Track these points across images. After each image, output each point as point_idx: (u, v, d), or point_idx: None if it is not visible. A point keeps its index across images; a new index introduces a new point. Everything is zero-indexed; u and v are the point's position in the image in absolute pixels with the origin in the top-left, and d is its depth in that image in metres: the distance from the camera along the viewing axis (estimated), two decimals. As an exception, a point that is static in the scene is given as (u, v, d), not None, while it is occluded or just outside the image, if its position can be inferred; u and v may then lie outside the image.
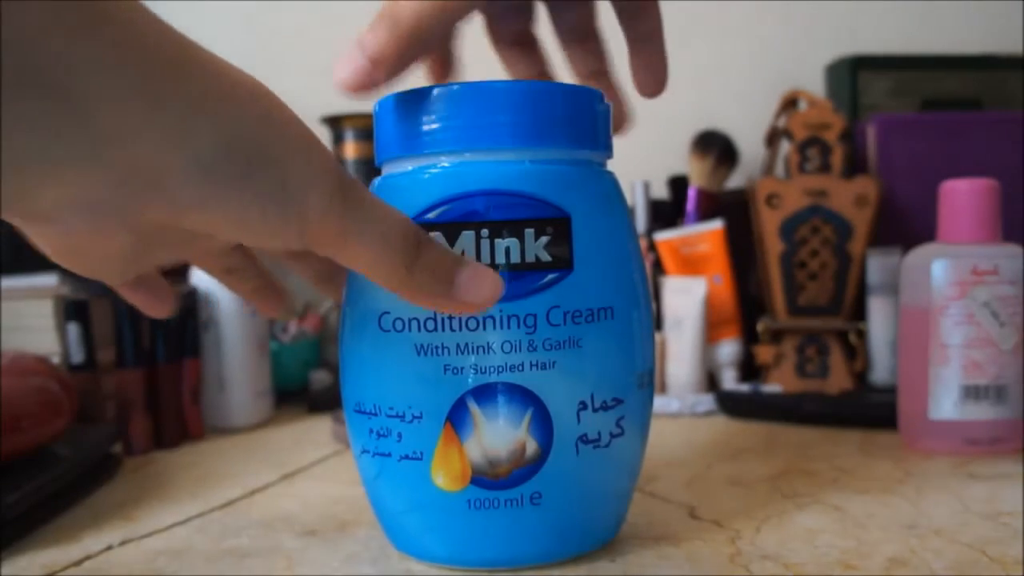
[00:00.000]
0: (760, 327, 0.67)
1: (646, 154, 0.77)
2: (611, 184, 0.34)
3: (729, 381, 0.68)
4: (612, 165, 0.36)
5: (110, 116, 0.20)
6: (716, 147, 0.74)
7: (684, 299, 0.67)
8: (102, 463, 0.49)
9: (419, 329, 0.31)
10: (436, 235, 0.31)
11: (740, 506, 0.40)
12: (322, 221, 0.24)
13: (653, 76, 0.37)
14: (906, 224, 0.67)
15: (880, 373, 0.65)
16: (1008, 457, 0.48)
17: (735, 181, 0.77)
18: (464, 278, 0.27)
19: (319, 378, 0.70)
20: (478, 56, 0.40)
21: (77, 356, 0.55)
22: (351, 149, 0.74)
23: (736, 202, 0.71)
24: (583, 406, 0.32)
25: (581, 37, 0.38)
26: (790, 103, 0.70)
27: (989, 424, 0.48)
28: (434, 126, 0.31)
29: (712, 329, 0.68)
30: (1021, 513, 0.38)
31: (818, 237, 0.65)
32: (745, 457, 0.50)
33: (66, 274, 0.63)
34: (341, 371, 0.35)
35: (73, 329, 0.55)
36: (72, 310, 0.55)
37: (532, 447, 0.31)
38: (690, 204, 0.73)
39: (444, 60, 0.39)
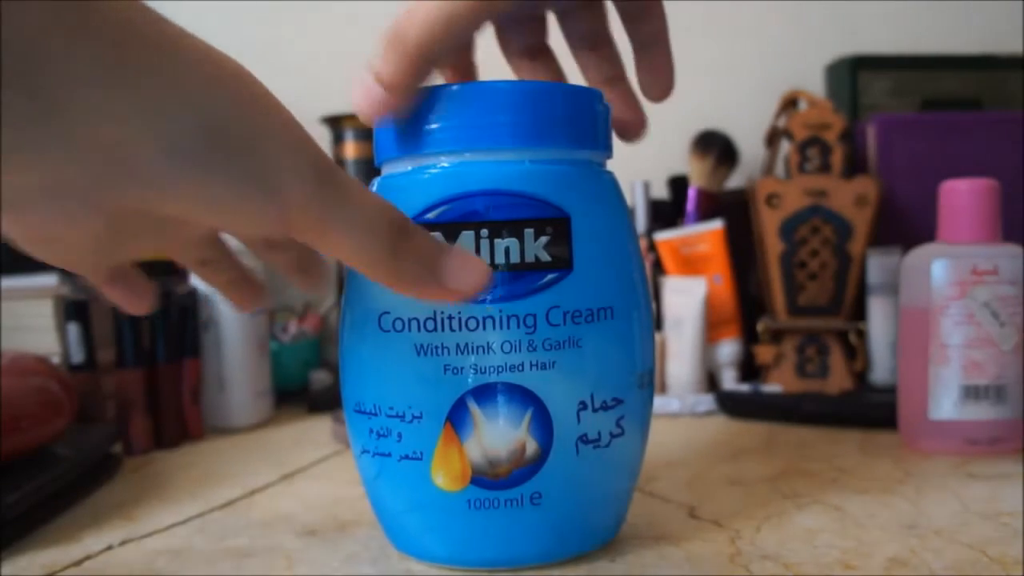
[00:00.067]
0: (760, 327, 0.67)
1: (646, 154, 0.77)
2: (611, 184, 0.34)
3: (729, 381, 0.68)
4: (612, 165, 0.36)
5: (80, 98, 0.19)
6: (716, 147, 0.74)
7: (684, 299, 0.67)
8: (102, 463, 0.49)
9: (419, 329, 0.31)
10: (436, 235, 0.31)
11: (740, 506, 0.40)
12: (303, 207, 0.24)
13: (659, 80, 0.37)
14: (906, 224, 0.67)
15: (880, 373, 0.65)
16: (1008, 457, 0.48)
17: (735, 181, 0.77)
18: (450, 265, 0.27)
19: (319, 378, 0.70)
20: (481, 57, 0.40)
21: (77, 356, 0.55)
22: (351, 149, 0.74)
23: (736, 202, 0.71)
24: (583, 406, 0.32)
25: (593, 44, 0.38)
26: (790, 103, 0.70)
27: (989, 424, 0.48)
28: (434, 126, 0.31)
29: (712, 329, 0.68)
30: (1021, 513, 0.38)
31: (818, 237, 0.65)
32: (745, 457, 0.50)
33: (66, 274, 0.63)
34: (341, 371, 0.35)
35: (73, 329, 0.55)
36: (72, 310, 0.55)
37: (532, 447, 0.31)
38: (690, 204, 0.73)
39: (462, 70, 0.38)
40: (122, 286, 0.31)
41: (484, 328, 0.31)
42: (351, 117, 0.73)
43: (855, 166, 0.70)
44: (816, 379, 0.66)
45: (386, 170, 0.34)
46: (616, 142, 0.37)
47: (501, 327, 0.31)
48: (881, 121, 0.69)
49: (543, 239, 0.31)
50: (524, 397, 0.31)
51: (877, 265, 0.65)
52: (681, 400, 0.62)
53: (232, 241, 0.33)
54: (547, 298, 0.31)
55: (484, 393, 0.31)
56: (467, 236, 0.31)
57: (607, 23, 0.38)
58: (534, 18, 0.38)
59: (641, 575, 0.33)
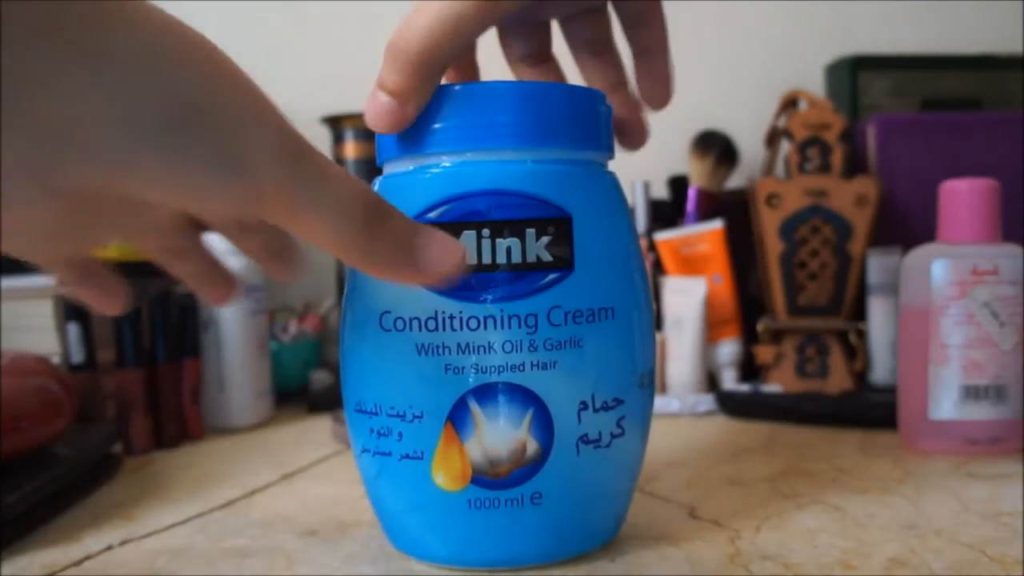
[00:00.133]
0: (760, 327, 0.67)
1: (646, 154, 0.77)
2: (612, 184, 0.34)
3: (729, 381, 0.68)
4: (612, 165, 0.36)
5: (35, 74, 0.19)
6: (716, 147, 0.74)
7: (684, 299, 0.67)
8: (102, 463, 0.49)
9: (420, 329, 0.31)
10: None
11: (740, 506, 0.40)
12: (274, 186, 0.23)
13: (659, 88, 0.37)
14: (906, 224, 0.67)
15: (880, 373, 0.65)
16: (1008, 457, 0.48)
17: (735, 181, 0.77)
18: (426, 247, 0.27)
19: (319, 378, 0.70)
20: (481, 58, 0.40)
21: (77, 356, 0.55)
22: (351, 149, 0.74)
23: (736, 202, 0.71)
24: (584, 406, 0.32)
25: (597, 50, 0.38)
26: (790, 103, 0.70)
27: (989, 424, 0.48)
28: (436, 126, 0.31)
29: (712, 329, 0.68)
30: (1021, 513, 0.38)
31: (818, 237, 0.65)
32: (745, 457, 0.50)
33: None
34: (342, 371, 0.35)
35: (73, 329, 0.55)
36: (72, 310, 0.55)
37: (533, 447, 0.31)
38: (690, 204, 0.73)
39: (463, 70, 0.38)
40: (92, 285, 0.30)
41: (485, 328, 0.31)
42: (351, 117, 0.74)
43: (855, 166, 0.70)
44: (816, 379, 0.66)
45: (387, 170, 0.34)
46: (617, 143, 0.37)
47: (502, 327, 0.31)
48: (881, 121, 0.69)
49: (544, 239, 0.31)
50: (525, 397, 0.31)
51: (877, 265, 0.65)
52: (681, 400, 0.62)
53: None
54: (548, 298, 0.31)
55: (485, 393, 0.31)
56: (469, 236, 0.31)
57: (611, 30, 0.38)
58: (538, 24, 0.38)
59: (641, 575, 0.33)
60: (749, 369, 0.69)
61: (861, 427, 0.55)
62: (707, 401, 0.62)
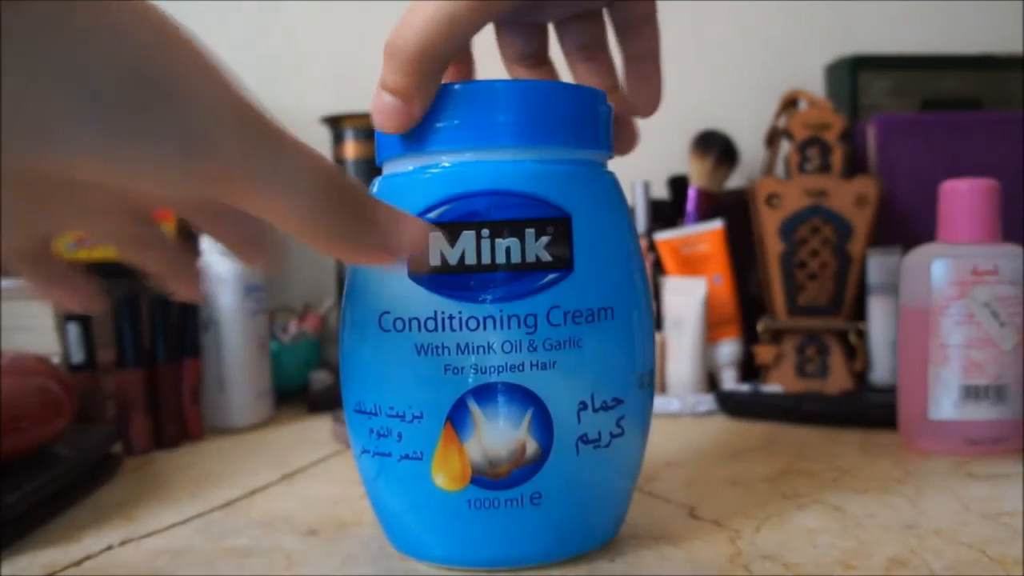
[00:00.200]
0: (760, 327, 0.67)
1: (646, 154, 0.77)
2: (611, 184, 0.34)
3: (729, 381, 0.68)
4: (612, 165, 0.36)
5: None
6: (716, 147, 0.74)
7: (684, 299, 0.67)
8: (102, 463, 0.49)
9: (419, 329, 0.31)
10: (436, 236, 0.31)
11: (740, 506, 0.40)
12: (231, 164, 0.21)
13: (649, 94, 0.37)
14: (906, 224, 0.67)
15: (880, 373, 0.65)
16: (1008, 457, 0.48)
17: (735, 181, 0.77)
18: (390, 223, 0.26)
19: (319, 378, 0.70)
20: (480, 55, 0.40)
21: (77, 356, 0.55)
22: (351, 149, 0.74)
23: (736, 202, 0.71)
24: (583, 406, 0.32)
25: (591, 54, 0.38)
26: (790, 103, 0.70)
27: (989, 424, 0.48)
28: (436, 125, 0.31)
29: (712, 329, 0.68)
30: (1021, 513, 0.38)
31: (818, 237, 0.65)
32: (745, 457, 0.50)
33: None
34: (341, 371, 0.35)
35: (73, 329, 0.55)
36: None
37: (532, 447, 0.31)
38: (690, 204, 0.73)
39: (460, 69, 0.38)
40: (59, 286, 0.30)
41: (484, 328, 0.31)
42: (351, 117, 0.74)
43: (855, 166, 0.70)
44: (816, 379, 0.66)
45: (387, 169, 0.34)
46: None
47: (501, 327, 0.31)
48: (881, 121, 0.69)
49: (544, 239, 0.31)
50: (524, 397, 0.31)
51: (877, 265, 0.65)
52: (681, 400, 0.62)
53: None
54: (548, 298, 0.31)
55: (484, 393, 0.31)
56: (468, 236, 0.31)
57: (605, 34, 0.38)
58: (534, 26, 0.38)
59: (641, 575, 0.33)
60: (749, 369, 0.69)
61: (861, 427, 0.55)
62: (707, 401, 0.62)
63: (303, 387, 0.70)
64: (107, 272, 0.73)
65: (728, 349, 0.68)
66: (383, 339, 0.32)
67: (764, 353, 0.67)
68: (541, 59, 0.39)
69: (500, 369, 0.31)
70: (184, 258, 0.32)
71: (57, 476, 0.42)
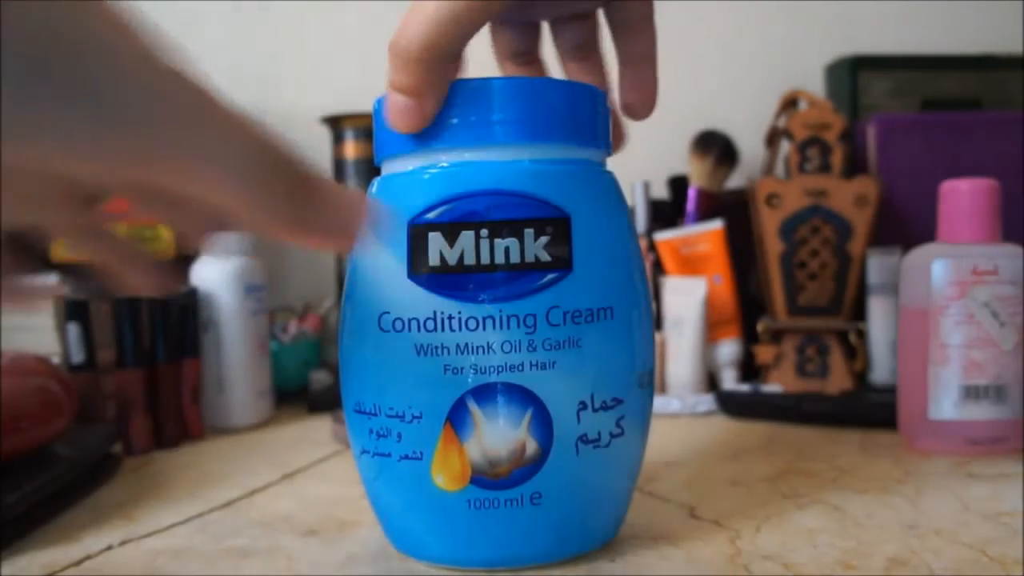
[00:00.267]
0: (760, 327, 0.67)
1: (646, 154, 0.77)
2: (611, 184, 0.34)
3: (729, 381, 0.68)
4: (612, 165, 0.36)
5: None
6: (716, 147, 0.74)
7: (684, 299, 0.67)
8: (102, 463, 0.49)
9: (419, 329, 0.31)
10: (436, 235, 0.31)
11: (740, 506, 0.40)
12: (151, 134, 0.19)
13: (644, 97, 0.36)
14: (906, 224, 0.67)
15: (880, 373, 0.65)
16: (1008, 457, 0.48)
17: (735, 181, 0.77)
18: (334, 202, 0.24)
19: (319, 378, 0.70)
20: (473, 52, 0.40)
21: (77, 356, 0.55)
22: (351, 149, 0.74)
23: (736, 202, 0.71)
24: (583, 406, 0.32)
25: (583, 54, 0.38)
26: (790, 103, 0.70)
27: (989, 424, 0.48)
28: (433, 124, 0.31)
29: (712, 329, 0.68)
30: (1021, 513, 0.38)
31: (818, 237, 0.65)
32: (745, 457, 0.50)
33: (66, 274, 0.63)
34: (341, 371, 0.35)
35: (73, 329, 0.55)
36: (72, 310, 0.55)
37: (532, 447, 0.31)
38: (690, 204, 0.73)
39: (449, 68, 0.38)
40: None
41: (484, 328, 0.31)
42: (351, 117, 0.74)
43: (855, 166, 0.70)
44: (816, 379, 0.66)
45: (386, 169, 0.34)
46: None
47: (501, 327, 0.31)
48: (881, 121, 0.69)
49: (543, 239, 0.31)
50: (524, 397, 0.31)
51: (877, 265, 0.65)
52: (681, 400, 0.62)
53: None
54: (547, 298, 0.31)
55: (484, 393, 0.31)
56: (467, 236, 0.31)
57: (598, 34, 0.38)
58: (528, 23, 0.38)
59: (641, 575, 0.33)
60: (749, 369, 0.69)
61: (861, 427, 0.55)
62: (707, 401, 0.62)
63: (303, 387, 0.70)
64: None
65: (728, 349, 0.68)
66: (383, 339, 0.32)
67: (764, 353, 0.67)
68: (532, 57, 0.39)
69: (500, 369, 0.31)
70: (134, 249, 0.30)
71: (57, 476, 0.42)
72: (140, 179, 0.21)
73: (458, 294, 0.31)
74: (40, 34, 0.17)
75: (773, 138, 0.71)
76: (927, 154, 0.68)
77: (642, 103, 0.36)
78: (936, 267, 0.48)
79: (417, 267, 0.31)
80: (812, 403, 0.58)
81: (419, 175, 0.32)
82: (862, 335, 0.66)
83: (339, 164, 0.74)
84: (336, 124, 0.75)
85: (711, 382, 0.69)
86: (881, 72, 0.77)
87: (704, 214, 0.72)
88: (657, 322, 0.67)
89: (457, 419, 0.31)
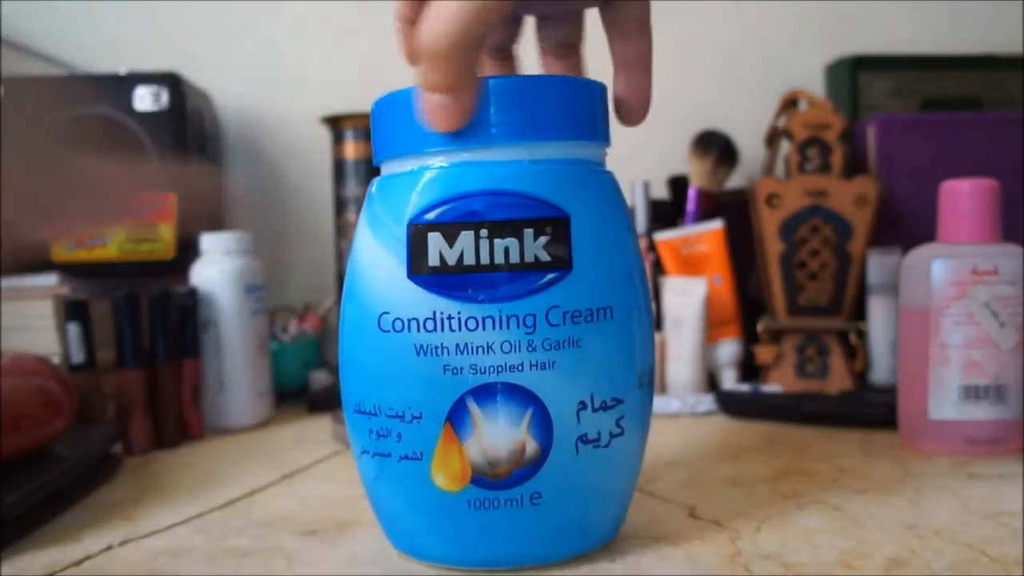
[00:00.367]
0: (760, 327, 0.67)
1: (646, 154, 0.77)
2: (611, 184, 0.34)
3: (729, 381, 0.68)
4: (612, 165, 0.36)
5: None
6: (716, 147, 0.74)
7: (684, 299, 0.67)
8: (102, 463, 0.49)
9: (419, 329, 0.31)
10: (436, 235, 0.31)
11: (740, 506, 0.40)
12: None
13: (637, 102, 0.36)
14: (906, 224, 0.67)
15: (880, 373, 0.65)
16: (1008, 457, 0.48)
17: (735, 181, 0.77)
18: None
19: (319, 378, 0.70)
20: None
21: (77, 356, 0.55)
22: (351, 149, 0.74)
23: (736, 202, 0.71)
24: (583, 406, 0.32)
25: (565, 53, 0.38)
26: (790, 103, 0.70)
27: (989, 424, 0.48)
28: (419, 127, 0.31)
29: (712, 329, 0.68)
30: (1021, 513, 0.38)
31: (818, 237, 0.65)
32: (745, 457, 0.50)
33: (66, 274, 0.63)
34: (341, 371, 0.35)
35: (73, 329, 0.55)
36: (72, 310, 0.55)
37: (532, 447, 0.31)
38: (690, 204, 0.73)
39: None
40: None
41: (484, 328, 0.31)
42: (351, 117, 0.74)
43: (855, 166, 0.70)
44: (816, 379, 0.66)
45: (386, 170, 0.34)
46: (616, 142, 0.37)
47: (501, 327, 0.31)
48: (881, 121, 0.69)
49: (543, 239, 0.31)
50: (524, 397, 0.31)
51: (877, 265, 0.65)
52: (681, 400, 0.62)
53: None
54: (547, 298, 0.31)
55: (484, 393, 0.31)
56: (467, 236, 0.31)
57: (582, 35, 0.38)
58: (515, 19, 0.38)
59: (641, 575, 0.33)
60: (749, 369, 0.69)
61: (861, 427, 0.55)
62: (707, 401, 0.62)
63: (303, 387, 0.70)
64: (107, 272, 0.73)
65: (728, 349, 0.68)
66: (382, 339, 0.32)
67: (764, 353, 0.67)
68: (508, 53, 0.39)
69: (499, 369, 0.31)
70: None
71: (57, 476, 0.42)
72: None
73: (458, 294, 0.31)
74: None
75: (773, 138, 0.71)
76: (927, 154, 0.68)
77: (635, 108, 0.36)
78: (936, 267, 0.48)
79: (417, 267, 0.31)
80: (812, 403, 0.58)
81: (419, 175, 0.32)
82: (862, 335, 0.66)
83: (339, 164, 0.74)
84: (336, 124, 0.74)
85: (711, 382, 0.69)
86: (881, 72, 0.77)
87: (704, 214, 0.72)
88: (657, 322, 0.67)
89: (457, 419, 0.31)
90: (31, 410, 0.44)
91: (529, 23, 0.39)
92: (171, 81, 0.70)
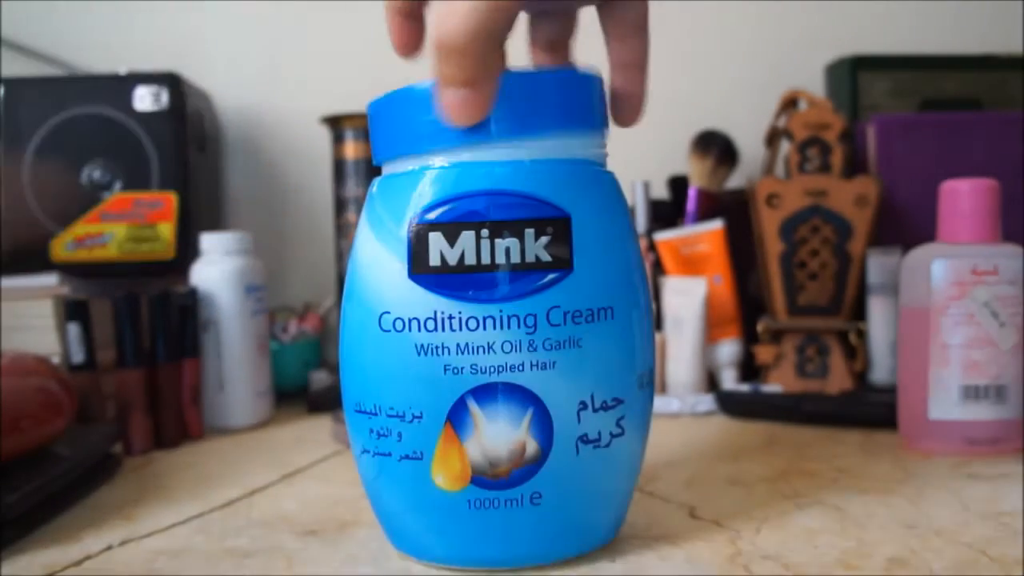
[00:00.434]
0: (760, 327, 0.67)
1: (646, 154, 0.77)
2: (611, 184, 0.34)
3: (729, 381, 0.68)
4: (612, 165, 0.36)
5: None
6: (716, 147, 0.74)
7: (684, 299, 0.67)
8: (102, 463, 0.49)
9: (419, 329, 0.31)
10: (436, 235, 0.31)
11: (740, 506, 0.40)
12: None
13: (631, 105, 0.36)
14: (906, 224, 0.67)
15: (880, 373, 0.65)
16: (1008, 457, 0.48)
17: (735, 181, 0.77)
18: None
19: (319, 378, 0.70)
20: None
21: (77, 356, 0.55)
22: (351, 149, 0.74)
23: (736, 202, 0.71)
24: (583, 406, 0.32)
25: (556, 49, 0.38)
26: (790, 103, 0.70)
27: (989, 424, 0.48)
28: (425, 123, 0.31)
29: (712, 329, 0.68)
30: (1021, 513, 0.38)
31: (818, 237, 0.65)
32: (745, 457, 0.50)
33: (66, 274, 0.63)
34: (341, 371, 0.35)
35: (73, 329, 0.55)
36: (72, 310, 0.55)
37: (532, 447, 0.31)
38: (690, 204, 0.73)
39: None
40: None
41: (484, 328, 0.31)
42: (351, 117, 0.73)
43: (855, 166, 0.70)
44: (816, 379, 0.66)
45: (387, 170, 0.34)
46: (616, 142, 0.37)
47: (501, 327, 0.31)
48: (881, 121, 0.69)
49: (543, 239, 0.31)
50: (524, 397, 0.31)
51: (877, 265, 0.65)
52: (681, 400, 0.62)
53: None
54: (547, 298, 0.31)
55: (484, 393, 0.31)
56: (467, 236, 0.31)
57: (574, 32, 0.38)
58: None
59: (641, 575, 0.33)
60: (749, 369, 0.69)
61: (861, 427, 0.55)
62: (707, 401, 0.62)
63: (303, 387, 0.70)
64: (107, 272, 0.73)
65: (728, 349, 0.68)
66: (383, 339, 0.32)
67: (764, 353, 0.67)
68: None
69: (500, 369, 0.31)
70: None
71: (57, 476, 0.42)
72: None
73: (458, 294, 0.31)
74: None
75: (773, 138, 0.71)
76: (927, 154, 0.68)
77: (629, 111, 0.36)
78: (936, 267, 0.48)
79: (417, 267, 0.31)
80: (812, 403, 0.58)
81: (419, 175, 0.32)
82: (862, 335, 0.66)
83: (339, 164, 0.74)
84: (336, 124, 0.74)
85: (711, 382, 0.69)
86: (881, 72, 0.77)
87: (704, 214, 0.72)
88: (657, 322, 0.67)
89: (457, 419, 0.31)
90: (31, 410, 0.44)
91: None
92: (171, 81, 0.70)
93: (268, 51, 0.87)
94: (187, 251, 0.69)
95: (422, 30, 0.34)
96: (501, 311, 0.31)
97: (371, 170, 0.72)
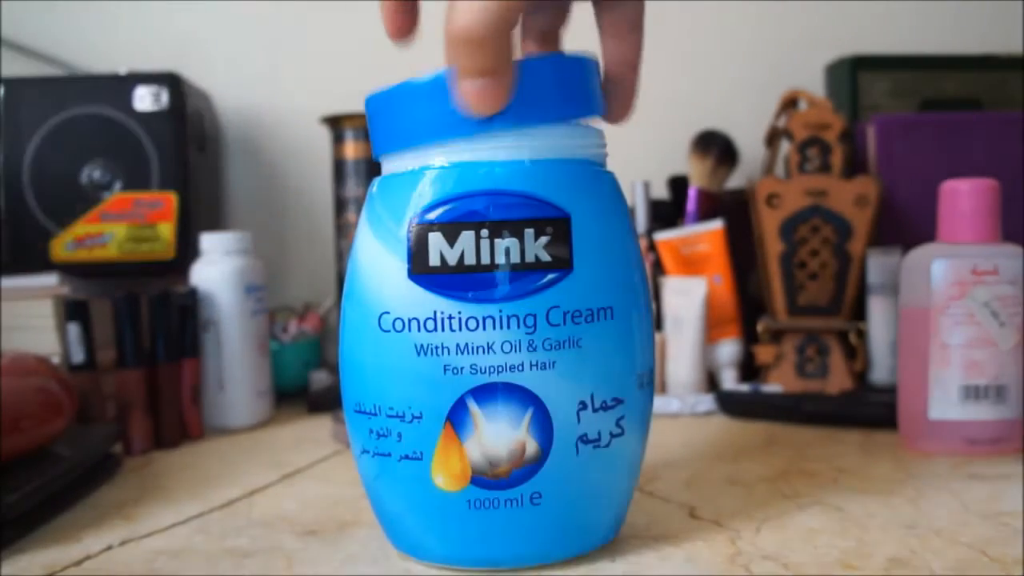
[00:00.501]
0: (760, 327, 0.67)
1: (646, 154, 0.77)
2: (611, 184, 0.34)
3: (729, 381, 0.68)
4: (612, 165, 0.36)
5: None
6: (716, 147, 0.74)
7: (684, 299, 0.67)
8: (102, 463, 0.49)
9: (419, 329, 0.31)
10: (436, 235, 0.31)
11: (740, 506, 0.40)
12: None
13: (622, 104, 0.36)
14: (906, 224, 0.67)
15: (880, 373, 0.65)
16: (1008, 457, 0.48)
17: (735, 181, 0.77)
18: None
19: (319, 378, 0.70)
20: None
21: (77, 356, 0.55)
22: (351, 149, 0.74)
23: (736, 202, 0.71)
24: (583, 406, 0.32)
25: (547, 39, 0.38)
26: (790, 103, 0.70)
27: (989, 424, 0.48)
28: (421, 117, 0.31)
29: (712, 329, 0.68)
30: (1021, 513, 0.38)
31: (818, 237, 0.65)
32: (745, 457, 0.50)
33: (66, 274, 0.63)
34: (341, 371, 0.35)
35: (73, 329, 0.55)
36: (72, 310, 0.55)
37: (532, 447, 0.31)
38: (690, 204, 0.73)
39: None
40: None
41: (484, 328, 0.31)
42: (351, 117, 0.73)
43: (855, 166, 0.70)
44: (816, 379, 0.66)
45: (387, 169, 0.34)
46: (616, 142, 0.37)
47: (501, 327, 0.31)
48: (881, 121, 0.69)
49: (543, 239, 0.31)
50: (524, 397, 0.31)
51: (877, 265, 0.65)
52: (681, 400, 0.62)
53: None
54: (547, 298, 0.31)
55: (484, 393, 0.31)
56: (467, 236, 0.31)
57: (566, 24, 0.38)
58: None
59: (641, 575, 0.33)
60: (749, 369, 0.69)
61: (861, 427, 0.55)
62: (707, 401, 0.62)
63: (303, 387, 0.70)
64: (107, 272, 0.73)
65: (728, 349, 0.68)
66: (383, 339, 0.32)
67: (764, 353, 0.67)
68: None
69: (500, 369, 0.31)
70: None
71: (57, 476, 0.42)
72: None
73: (458, 294, 0.31)
74: None
75: (773, 138, 0.71)
76: (927, 154, 0.68)
77: (619, 109, 0.36)
78: (936, 267, 0.48)
79: (417, 267, 0.31)
80: (812, 403, 0.58)
81: (419, 174, 0.32)
82: (862, 335, 0.66)
83: (339, 164, 0.74)
84: (336, 124, 0.74)
85: (711, 382, 0.69)
86: (881, 72, 0.77)
87: (704, 214, 0.72)
88: (657, 322, 0.67)
89: (457, 419, 0.31)
90: (31, 410, 0.44)
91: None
92: (171, 81, 0.70)
93: (268, 51, 0.87)
94: (187, 251, 0.69)
95: (415, 14, 0.35)
96: (501, 311, 0.31)
97: (371, 170, 0.72)
